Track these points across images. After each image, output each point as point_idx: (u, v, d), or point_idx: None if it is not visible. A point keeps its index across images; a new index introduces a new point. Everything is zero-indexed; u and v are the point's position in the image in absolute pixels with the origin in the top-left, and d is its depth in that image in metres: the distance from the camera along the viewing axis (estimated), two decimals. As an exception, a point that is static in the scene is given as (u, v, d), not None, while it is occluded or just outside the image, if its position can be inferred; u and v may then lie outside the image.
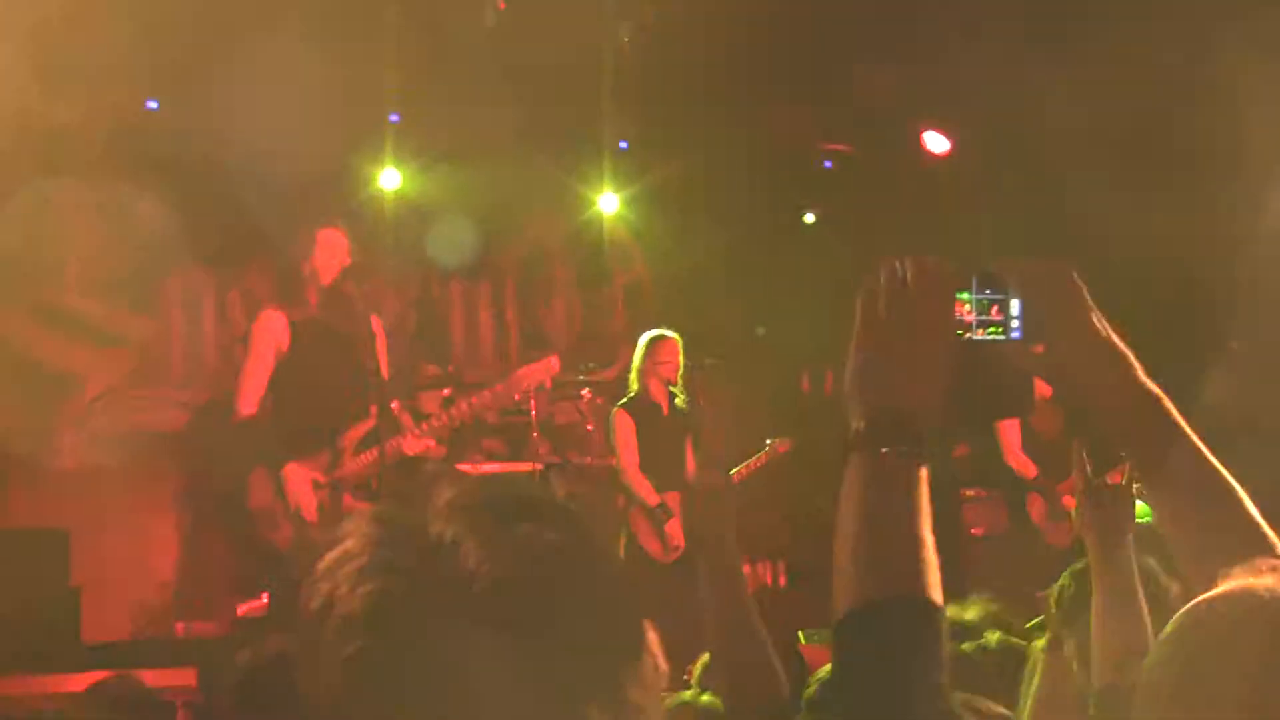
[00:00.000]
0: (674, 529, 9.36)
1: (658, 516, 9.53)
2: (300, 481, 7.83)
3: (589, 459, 10.52)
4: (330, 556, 1.37)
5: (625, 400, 9.81)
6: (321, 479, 7.87)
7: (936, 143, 11.56)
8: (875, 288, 1.96)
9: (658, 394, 9.78)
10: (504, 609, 1.31)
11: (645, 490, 9.58)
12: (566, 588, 1.35)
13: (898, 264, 1.97)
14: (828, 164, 12.92)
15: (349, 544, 1.37)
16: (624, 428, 9.73)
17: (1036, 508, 9.70)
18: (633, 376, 9.83)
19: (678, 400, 9.84)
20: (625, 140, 12.10)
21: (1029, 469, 9.64)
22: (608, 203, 12.16)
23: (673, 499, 9.35)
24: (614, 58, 9.12)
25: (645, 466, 9.63)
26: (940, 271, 1.97)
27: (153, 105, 10.32)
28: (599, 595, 1.38)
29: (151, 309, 11.10)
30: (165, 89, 10.30)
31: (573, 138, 11.97)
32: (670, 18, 9.10)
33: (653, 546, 9.51)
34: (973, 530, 10.54)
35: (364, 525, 1.39)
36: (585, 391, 10.79)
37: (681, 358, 9.80)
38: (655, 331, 9.87)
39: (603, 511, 9.96)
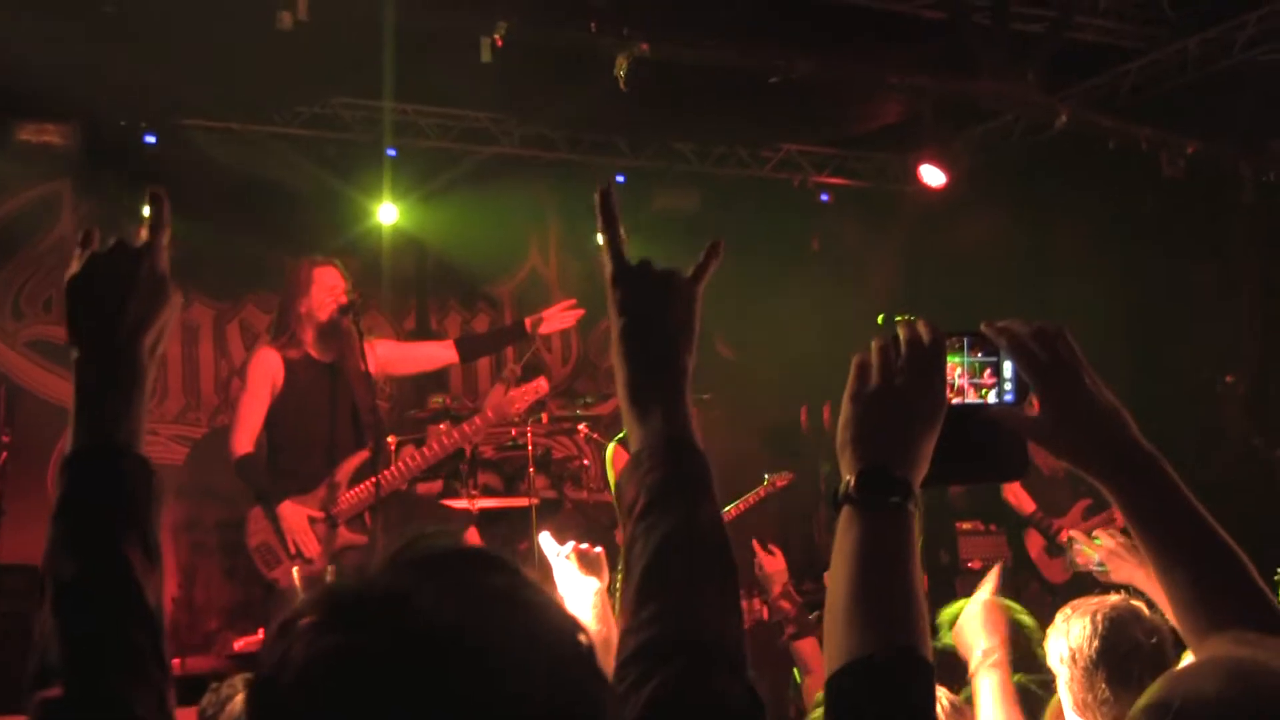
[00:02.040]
0: None
1: None
2: (297, 519, 7.85)
3: (585, 494, 10.46)
4: (282, 619, 1.39)
5: (624, 434, 9.36)
6: (318, 514, 7.88)
7: (933, 176, 11.57)
8: (868, 351, 1.99)
9: None
10: (457, 659, 1.32)
11: None
12: (521, 637, 1.37)
13: (895, 328, 1.99)
14: (824, 196, 12.93)
15: (300, 605, 1.39)
16: (621, 463, 9.32)
17: (1034, 543, 9.69)
18: None
19: None
20: (623, 174, 12.12)
21: (1026, 504, 9.63)
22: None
23: None
24: (611, 89, 9.11)
25: None
26: (932, 337, 1.98)
27: (150, 139, 10.34)
28: (552, 641, 1.39)
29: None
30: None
31: (572, 171, 12.00)
32: (666, 49, 9.10)
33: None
34: (969, 563, 10.54)
35: (314, 588, 1.41)
36: (582, 426, 10.74)
37: None
38: None
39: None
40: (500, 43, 8.38)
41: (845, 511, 1.89)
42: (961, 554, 10.54)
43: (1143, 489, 2.06)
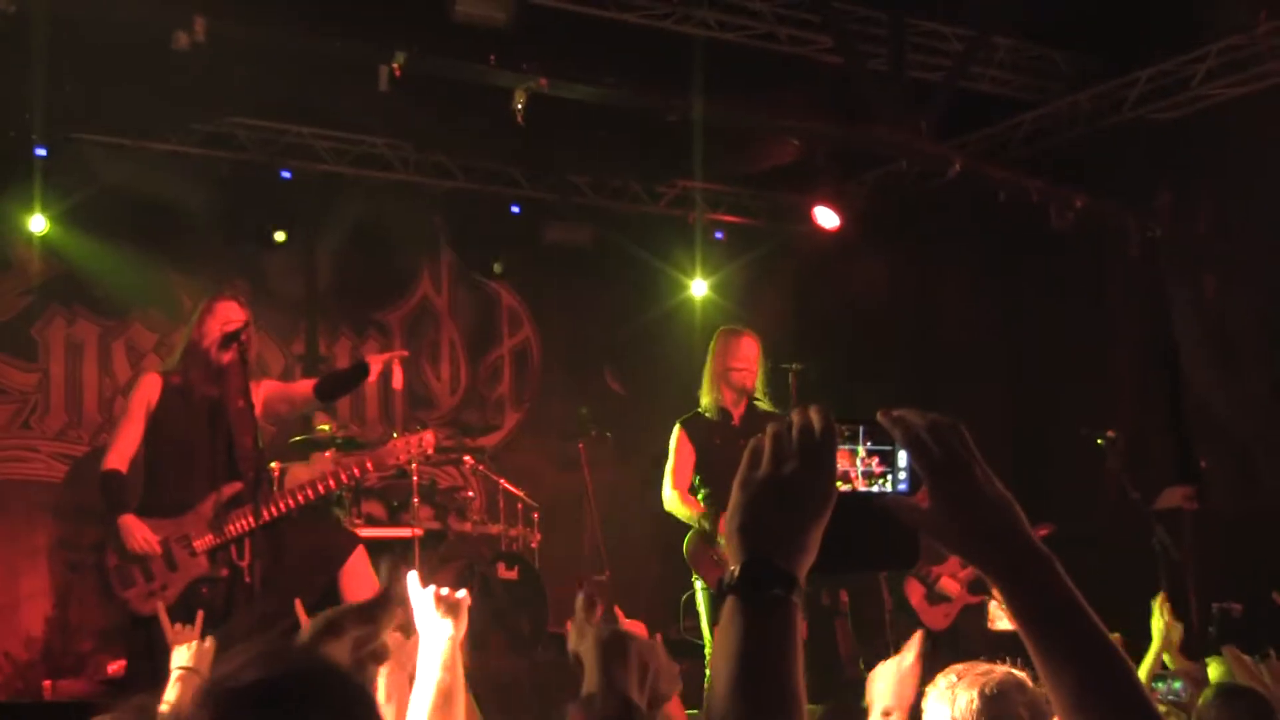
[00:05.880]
0: None
1: (709, 533, 8.35)
2: (138, 528, 7.70)
3: (469, 525, 10.40)
4: None
5: (691, 414, 8.76)
6: (156, 535, 7.74)
7: (827, 218, 11.64)
8: (761, 439, 1.97)
9: (730, 403, 8.71)
10: None
11: (690, 505, 8.50)
12: None
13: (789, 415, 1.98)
14: (718, 234, 13.01)
15: None
16: (679, 444, 8.65)
17: (914, 591, 9.75)
18: (704, 384, 8.79)
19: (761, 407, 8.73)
20: (517, 204, 12.13)
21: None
22: (498, 267, 12.16)
23: None
24: (510, 121, 9.10)
25: (709, 484, 8.55)
26: (824, 425, 1.97)
27: (41, 152, 10.20)
28: None
29: (32, 357, 10.96)
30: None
31: (467, 201, 12.00)
32: (565, 85, 9.12)
33: (710, 577, 8.39)
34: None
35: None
36: (467, 457, 10.71)
37: (761, 361, 8.75)
38: (728, 327, 9.01)
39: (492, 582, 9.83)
40: (399, 73, 8.37)
41: (729, 601, 1.86)
42: (842, 597, 10.56)
43: (1030, 588, 2.01)
